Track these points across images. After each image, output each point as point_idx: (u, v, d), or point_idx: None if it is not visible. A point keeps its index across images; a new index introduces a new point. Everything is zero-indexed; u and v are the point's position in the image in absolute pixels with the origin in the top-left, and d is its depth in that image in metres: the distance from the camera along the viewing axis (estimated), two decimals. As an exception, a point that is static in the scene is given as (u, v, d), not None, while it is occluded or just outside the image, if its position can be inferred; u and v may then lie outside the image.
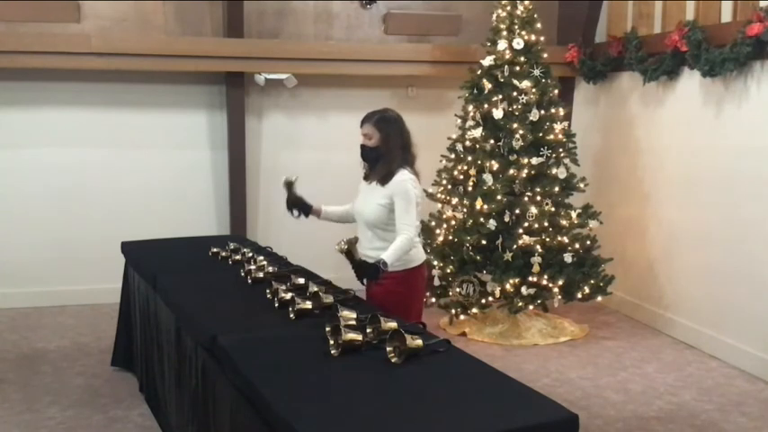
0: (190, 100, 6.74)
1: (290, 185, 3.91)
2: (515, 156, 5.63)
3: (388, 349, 2.66)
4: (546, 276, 5.56)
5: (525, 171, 5.61)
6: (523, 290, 5.55)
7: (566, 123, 5.88)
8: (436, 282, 5.72)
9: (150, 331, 4.23)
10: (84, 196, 6.56)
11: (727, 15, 5.51)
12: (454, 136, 5.90)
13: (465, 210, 5.65)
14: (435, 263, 5.67)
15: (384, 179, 3.64)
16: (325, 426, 2.16)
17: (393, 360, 2.63)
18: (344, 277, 3.83)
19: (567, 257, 5.61)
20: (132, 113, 6.60)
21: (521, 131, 5.59)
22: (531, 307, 5.71)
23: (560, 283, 5.55)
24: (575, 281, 5.61)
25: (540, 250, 5.57)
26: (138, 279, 4.52)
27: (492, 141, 5.67)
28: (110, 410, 4.40)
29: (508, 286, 5.50)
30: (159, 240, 5.22)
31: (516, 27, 5.75)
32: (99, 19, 6.33)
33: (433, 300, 5.80)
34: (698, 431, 4.24)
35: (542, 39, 5.89)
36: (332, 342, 2.74)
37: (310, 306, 3.24)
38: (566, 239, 5.62)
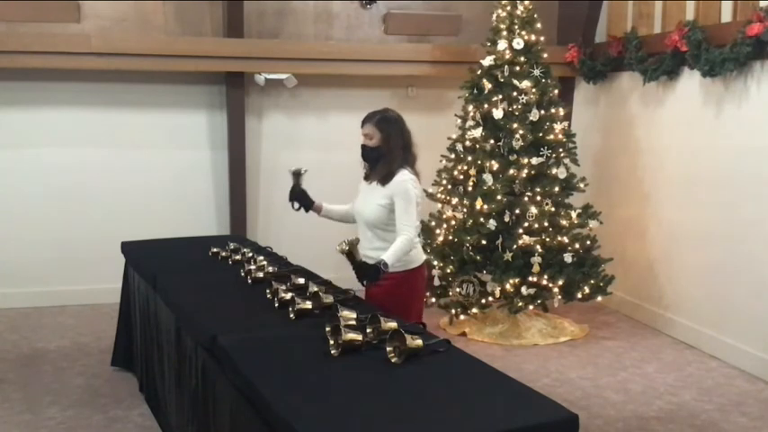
0: (190, 100, 6.74)
1: (297, 176, 3.91)
2: (515, 156, 5.63)
3: (388, 349, 2.66)
4: (546, 276, 5.56)
5: (525, 171, 5.61)
6: (523, 290, 5.55)
7: (566, 123, 5.89)
8: (436, 282, 5.72)
9: (150, 331, 4.23)
10: (84, 196, 6.56)
11: (727, 15, 5.51)
12: (454, 136, 5.90)
13: (465, 210, 5.65)
14: (435, 263, 5.67)
15: (384, 179, 3.64)
16: (326, 426, 2.16)
17: (393, 360, 2.63)
18: (344, 277, 3.83)
19: (567, 257, 5.61)
20: (132, 113, 6.61)
21: (521, 131, 5.59)
22: (531, 307, 5.71)
23: (560, 283, 5.55)
24: (575, 281, 5.61)
25: (540, 250, 5.57)
26: (138, 279, 4.52)
27: (492, 141, 5.67)
28: (110, 410, 4.40)
29: (508, 286, 5.50)
30: (159, 240, 5.22)
31: (516, 27, 5.75)
32: (99, 19, 6.34)
33: (433, 300, 5.80)
34: (698, 431, 4.24)
35: (542, 39, 5.90)
36: (332, 342, 2.74)
37: (310, 306, 3.24)
38: (566, 239, 5.62)
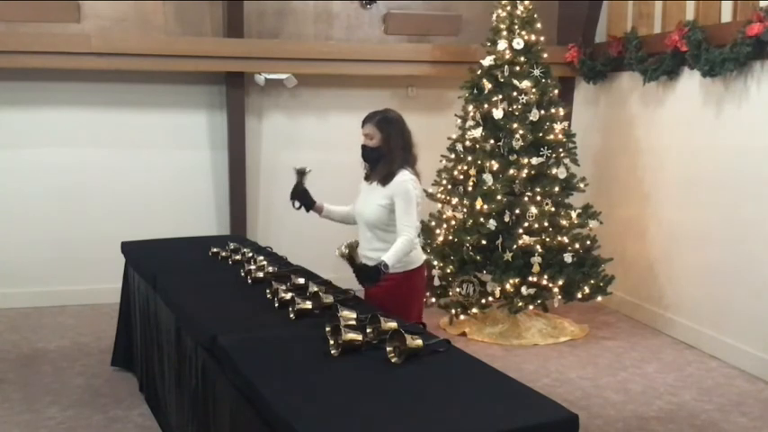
0: (190, 100, 6.74)
1: (301, 175, 3.90)
2: (515, 156, 5.63)
3: (388, 349, 2.66)
4: (546, 276, 5.56)
5: (525, 171, 5.61)
6: (523, 290, 5.55)
7: (566, 123, 5.88)
8: (436, 282, 5.72)
9: (150, 331, 4.23)
10: (84, 196, 6.56)
11: (727, 15, 5.51)
12: (454, 136, 5.90)
13: (465, 210, 5.65)
14: (435, 263, 5.67)
15: (385, 179, 3.64)
16: (326, 426, 2.16)
17: (393, 360, 2.63)
18: (344, 277, 3.83)
19: (567, 257, 5.61)
20: (132, 113, 6.61)
21: (521, 131, 5.59)
22: (531, 307, 5.71)
23: (560, 283, 5.55)
24: (575, 281, 5.61)
25: (540, 250, 5.57)
26: (138, 279, 4.53)
27: (492, 141, 5.67)
28: (110, 410, 4.40)
29: (508, 286, 5.50)
30: (159, 240, 5.22)
31: (516, 27, 5.75)
32: (99, 19, 6.34)
33: (433, 300, 5.80)
34: (698, 431, 4.24)
35: (542, 39, 5.90)
36: (332, 342, 2.74)
37: (310, 306, 3.24)
38: (566, 239, 5.62)
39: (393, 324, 2.83)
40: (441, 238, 5.76)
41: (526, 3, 5.79)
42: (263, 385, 2.44)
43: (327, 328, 2.86)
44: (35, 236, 6.47)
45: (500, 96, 5.68)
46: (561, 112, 5.80)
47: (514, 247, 5.56)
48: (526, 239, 5.56)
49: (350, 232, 3.87)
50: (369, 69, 6.67)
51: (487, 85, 5.73)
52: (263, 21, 6.67)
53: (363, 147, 3.72)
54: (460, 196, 5.72)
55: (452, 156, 5.87)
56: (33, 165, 6.43)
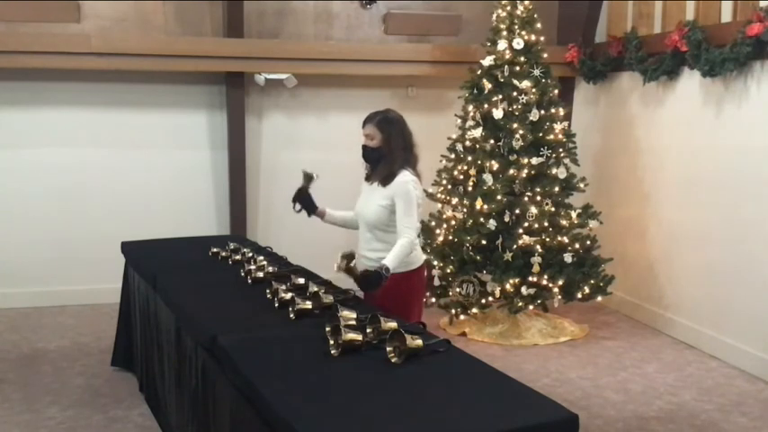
0: (190, 100, 6.74)
1: (308, 179, 3.89)
2: (515, 156, 5.63)
3: (388, 349, 2.66)
4: (546, 276, 5.56)
5: (525, 171, 5.61)
6: (523, 290, 5.55)
7: (566, 123, 5.88)
8: (436, 282, 5.72)
9: (150, 331, 4.23)
10: (84, 196, 6.56)
11: (727, 15, 5.51)
12: (454, 136, 5.90)
13: (465, 210, 5.65)
14: (435, 263, 5.67)
15: (385, 180, 3.63)
16: (325, 426, 2.16)
17: (393, 360, 2.63)
18: (344, 277, 3.82)
19: (567, 257, 5.61)
20: (132, 113, 6.61)
21: (521, 131, 5.59)
22: (531, 307, 5.71)
23: (560, 283, 5.55)
24: (575, 281, 5.61)
25: (540, 250, 5.57)
26: (138, 279, 4.52)
27: (492, 141, 5.67)
28: (110, 410, 4.40)
29: (508, 286, 5.50)
30: (159, 240, 5.22)
31: (516, 27, 5.75)
32: (99, 19, 6.34)
33: (433, 300, 5.80)
34: (698, 431, 4.24)
35: (542, 39, 5.90)
36: (332, 342, 2.74)
37: (310, 306, 3.23)
38: (566, 239, 5.62)
39: (393, 324, 2.83)
40: (441, 238, 5.76)
41: (526, 3, 5.79)
42: (263, 385, 2.44)
43: (327, 328, 2.86)
44: (35, 236, 6.47)
45: (500, 96, 5.68)
46: (561, 112, 5.80)
47: (514, 247, 5.56)
48: (526, 239, 5.56)
49: (349, 237, 3.88)
50: (369, 69, 6.67)
51: (487, 85, 5.73)
52: (263, 21, 6.67)
53: (364, 147, 3.72)
54: (460, 196, 5.72)
55: (452, 156, 5.87)
56: (33, 165, 6.43)
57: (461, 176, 5.76)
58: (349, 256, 3.43)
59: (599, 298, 5.80)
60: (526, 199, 5.61)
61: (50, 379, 4.88)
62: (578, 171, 5.92)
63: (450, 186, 5.85)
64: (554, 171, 5.69)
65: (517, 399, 2.34)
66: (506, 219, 5.60)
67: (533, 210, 5.56)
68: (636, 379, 4.99)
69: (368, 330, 2.83)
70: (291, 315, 3.20)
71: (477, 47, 6.39)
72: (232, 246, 4.53)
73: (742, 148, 5.18)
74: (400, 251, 3.50)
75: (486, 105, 5.71)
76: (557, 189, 5.65)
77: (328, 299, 3.29)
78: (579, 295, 5.67)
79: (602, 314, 6.44)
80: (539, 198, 5.61)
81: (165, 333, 3.83)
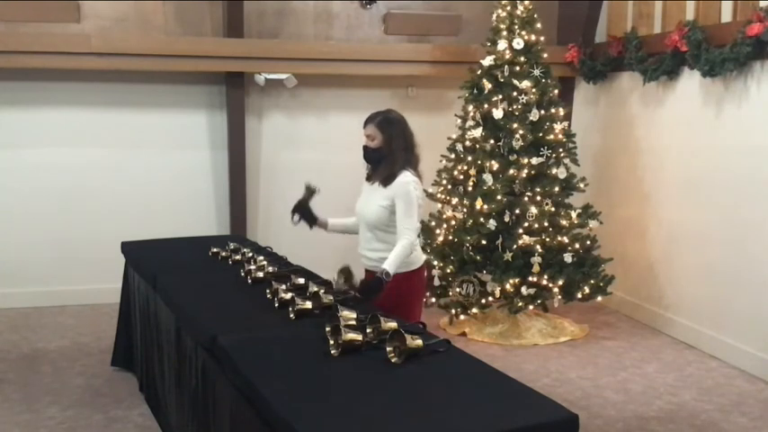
0: (190, 100, 6.74)
1: (310, 193, 3.87)
2: (515, 156, 5.63)
3: (388, 349, 2.66)
4: (546, 276, 5.56)
5: (525, 171, 5.61)
6: (523, 290, 5.55)
7: (566, 123, 5.89)
8: (436, 282, 5.72)
9: (150, 331, 4.23)
10: (84, 196, 6.56)
11: (727, 15, 5.51)
12: (454, 136, 5.90)
13: (465, 210, 5.65)
14: (435, 263, 5.67)
15: (386, 180, 3.63)
16: (325, 426, 2.16)
17: (393, 360, 2.63)
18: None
19: (567, 257, 5.61)
20: (132, 113, 6.60)
21: (521, 131, 5.59)
22: (531, 307, 5.71)
23: (560, 283, 5.55)
24: (575, 281, 5.61)
25: (540, 250, 5.57)
26: (138, 279, 4.52)
27: (492, 141, 5.67)
28: (110, 410, 4.40)
29: (508, 286, 5.50)
30: (159, 240, 5.22)
31: (516, 27, 5.75)
32: (99, 19, 6.33)
33: (433, 300, 5.80)
34: (698, 431, 4.24)
35: (542, 39, 5.90)
36: (332, 342, 2.74)
37: (310, 306, 3.23)
38: (566, 239, 5.62)
39: (393, 324, 2.83)
40: (441, 239, 5.76)
41: (526, 3, 5.79)
42: (263, 385, 2.44)
43: (327, 328, 2.86)
44: (35, 236, 6.46)
45: (500, 96, 5.68)
46: (561, 112, 5.80)
47: (514, 247, 5.56)
48: (526, 239, 5.56)
49: (349, 237, 3.88)
50: (369, 69, 6.67)
51: (487, 85, 5.73)
52: (263, 21, 6.67)
53: (365, 147, 3.71)
54: (460, 196, 5.72)
55: (452, 156, 5.87)
56: (33, 165, 6.43)
57: (461, 176, 5.76)
58: (346, 272, 3.43)
59: (599, 298, 5.80)
60: (526, 199, 5.61)
61: (50, 379, 4.88)
62: (578, 171, 5.92)
63: (450, 186, 5.85)
64: (554, 171, 5.69)
65: (517, 399, 2.34)
66: (506, 219, 5.60)
67: (533, 210, 5.56)
68: (636, 379, 4.99)
69: (368, 330, 2.83)
70: (291, 315, 3.20)
71: (477, 47, 6.39)
72: (232, 246, 4.53)
73: (742, 148, 5.18)
74: (400, 254, 3.50)
75: (486, 105, 5.71)
76: (557, 189, 5.65)
77: (328, 299, 3.28)
78: (579, 295, 5.67)
79: (602, 314, 6.44)
80: (539, 198, 5.61)
81: (165, 333, 3.83)
